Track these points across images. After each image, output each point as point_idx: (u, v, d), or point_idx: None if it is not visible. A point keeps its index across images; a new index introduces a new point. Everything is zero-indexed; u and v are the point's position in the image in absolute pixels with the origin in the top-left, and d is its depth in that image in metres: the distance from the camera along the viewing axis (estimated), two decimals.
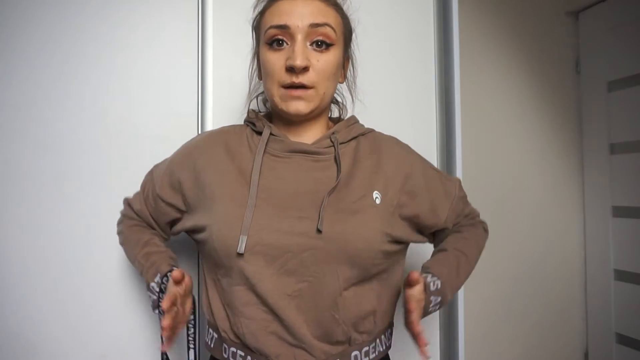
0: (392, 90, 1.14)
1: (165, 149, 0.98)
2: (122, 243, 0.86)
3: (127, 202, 0.85)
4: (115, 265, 0.95)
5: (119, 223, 0.87)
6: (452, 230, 0.82)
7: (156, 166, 0.84)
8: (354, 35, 0.77)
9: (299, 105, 0.67)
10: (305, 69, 0.65)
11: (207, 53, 1.02)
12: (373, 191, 0.69)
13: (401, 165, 0.74)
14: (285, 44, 0.67)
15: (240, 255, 0.64)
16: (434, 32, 1.17)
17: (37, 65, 0.94)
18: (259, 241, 0.64)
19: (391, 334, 0.78)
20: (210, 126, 1.01)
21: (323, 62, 0.67)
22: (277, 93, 0.68)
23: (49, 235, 0.93)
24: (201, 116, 1.02)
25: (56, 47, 0.95)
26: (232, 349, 0.69)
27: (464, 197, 0.84)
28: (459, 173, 1.13)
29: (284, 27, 0.66)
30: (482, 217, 0.89)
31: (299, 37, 0.65)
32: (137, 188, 0.83)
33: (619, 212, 1.79)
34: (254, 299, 0.66)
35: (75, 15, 0.96)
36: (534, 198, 1.89)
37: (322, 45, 0.67)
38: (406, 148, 0.80)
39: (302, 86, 0.66)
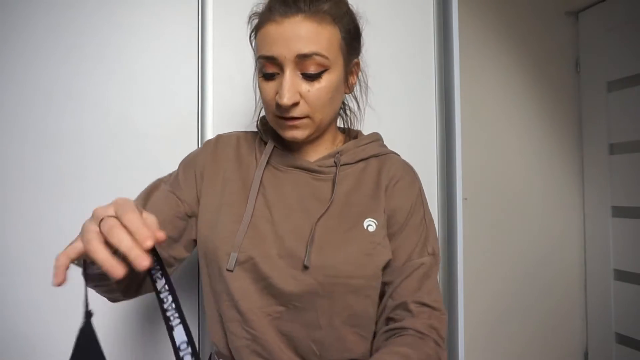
0: (392, 91, 1.14)
1: (165, 149, 0.98)
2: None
3: None
4: None
5: None
6: (390, 333, 0.64)
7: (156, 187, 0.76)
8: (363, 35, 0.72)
9: (295, 133, 0.65)
10: (294, 104, 0.62)
11: (207, 53, 1.02)
12: (366, 218, 0.66)
13: (404, 201, 0.69)
14: (276, 74, 0.63)
15: (229, 271, 0.64)
16: (434, 32, 1.17)
17: (37, 65, 0.94)
18: (248, 259, 0.64)
19: None
20: (210, 126, 1.01)
21: (315, 91, 0.62)
22: (272, 120, 0.67)
23: (49, 234, 0.93)
24: (201, 116, 1.02)
25: (57, 47, 0.95)
26: None
27: (432, 271, 0.68)
28: (458, 173, 1.13)
29: (272, 59, 0.62)
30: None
31: (288, 70, 0.61)
32: (138, 187, 0.82)
33: (619, 212, 1.79)
34: (237, 316, 0.65)
35: (76, 15, 0.96)
36: (534, 198, 1.89)
37: (312, 75, 0.62)
38: (415, 185, 0.72)
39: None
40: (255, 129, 0.78)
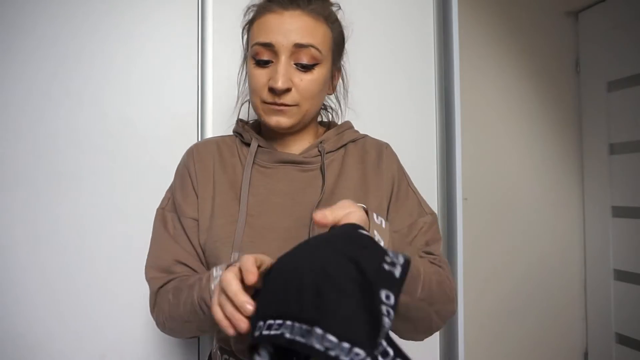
0: (392, 91, 1.14)
1: (165, 149, 0.98)
2: (166, 319, 0.65)
3: (150, 276, 0.69)
4: (115, 265, 0.95)
5: (154, 306, 0.68)
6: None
7: (162, 208, 0.74)
8: (346, 45, 0.75)
9: (280, 119, 0.67)
10: (287, 90, 0.65)
11: (207, 53, 1.02)
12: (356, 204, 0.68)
13: (387, 180, 0.72)
14: (270, 62, 0.66)
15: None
16: (434, 32, 1.17)
17: (36, 64, 0.94)
18: None
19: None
20: (210, 126, 1.01)
21: (307, 81, 0.66)
22: (260, 107, 0.68)
23: (48, 235, 0.93)
24: (201, 116, 1.02)
25: (55, 46, 0.95)
26: (225, 355, 0.69)
27: (435, 233, 0.73)
28: (458, 173, 1.13)
29: (268, 46, 0.65)
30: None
31: (283, 57, 0.64)
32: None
33: (619, 212, 1.79)
34: None
35: (75, 15, 0.96)
36: (534, 198, 1.89)
37: (306, 65, 0.66)
38: (393, 160, 0.76)
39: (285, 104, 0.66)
40: (231, 133, 0.78)
